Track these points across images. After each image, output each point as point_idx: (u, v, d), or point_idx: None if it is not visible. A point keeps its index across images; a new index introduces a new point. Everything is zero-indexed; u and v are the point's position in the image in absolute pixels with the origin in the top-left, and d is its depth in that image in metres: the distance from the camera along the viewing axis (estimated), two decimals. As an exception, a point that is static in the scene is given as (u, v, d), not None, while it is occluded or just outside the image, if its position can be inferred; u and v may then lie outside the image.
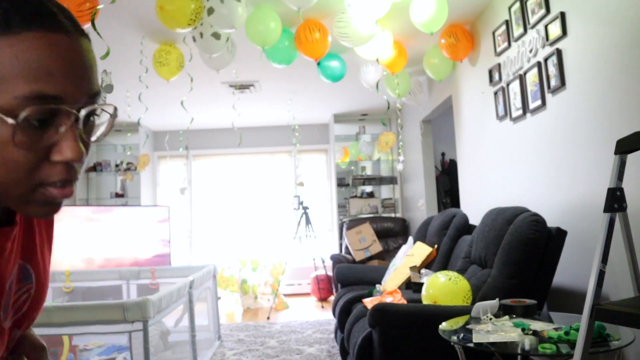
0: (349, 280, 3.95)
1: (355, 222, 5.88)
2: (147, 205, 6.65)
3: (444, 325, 1.96)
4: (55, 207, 0.62)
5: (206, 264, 4.21)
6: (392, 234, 5.99)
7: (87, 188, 6.71)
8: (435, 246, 3.50)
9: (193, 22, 2.96)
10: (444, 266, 3.28)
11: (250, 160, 7.26)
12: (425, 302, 2.45)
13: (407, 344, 2.18)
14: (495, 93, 3.30)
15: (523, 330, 1.75)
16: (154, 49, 3.86)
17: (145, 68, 4.13)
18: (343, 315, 3.22)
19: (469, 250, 2.87)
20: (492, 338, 1.70)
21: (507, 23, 3.08)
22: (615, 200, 1.38)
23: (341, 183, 6.72)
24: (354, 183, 6.68)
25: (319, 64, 3.87)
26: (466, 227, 3.38)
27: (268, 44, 3.20)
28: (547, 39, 2.58)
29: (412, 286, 3.21)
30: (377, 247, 5.58)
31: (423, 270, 3.21)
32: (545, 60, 2.61)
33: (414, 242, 3.97)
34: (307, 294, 6.81)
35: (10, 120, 0.55)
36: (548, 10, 2.58)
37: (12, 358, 0.76)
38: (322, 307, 5.84)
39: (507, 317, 1.97)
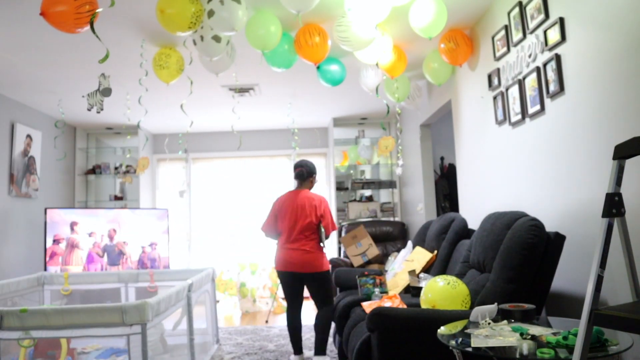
0: (347, 284, 3.95)
1: (351, 226, 5.88)
2: (146, 207, 6.64)
3: (442, 330, 1.96)
4: None
5: (205, 267, 4.21)
6: (391, 238, 5.99)
7: (87, 191, 6.70)
8: (435, 252, 3.50)
9: (193, 25, 2.96)
10: (443, 270, 3.28)
11: (250, 164, 7.26)
12: (423, 306, 2.45)
13: (406, 348, 2.17)
14: (495, 98, 3.31)
15: (521, 335, 1.74)
16: (154, 52, 3.87)
17: (145, 71, 4.14)
18: (342, 319, 3.21)
19: (467, 254, 2.87)
20: (491, 343, 1.70)
21: (507, 28, 3.09)
22: (613, 206, 1.38)
23: (340, 187, 6.72)
24: (353, 187, 6.68)
25: (318, 67, 3.88)
26: (465, 232, 3.38)
27: (268, 48, 3.21)
28: (546, 44, 2.59)
29: (410, 290, 3.21)
30: (374, 251, 5.57)
31: (422, 275, 3.21)
32: (545, 65, 2.62)
33: (413, 246, 3.97)
34: (306, 298, 6.79)
35: None
36: (547, 16, 2.59)
37: None
38: (321, 310, 5.82)
39: (505, 321, 1.97)
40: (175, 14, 2.88)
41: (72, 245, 5.18)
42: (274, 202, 3.75)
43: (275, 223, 3.69)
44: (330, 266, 3.90)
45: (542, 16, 2.62)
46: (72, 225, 5.22)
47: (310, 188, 3.77)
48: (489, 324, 1.94)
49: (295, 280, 3.59)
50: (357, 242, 5.65)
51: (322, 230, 3.60)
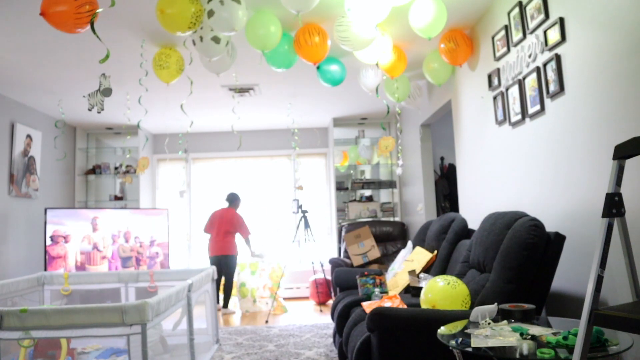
0: (347, 284, 3.95)
1: (354, 226, 5.87)
2: (146, 208, 6.64)
3: (442, 330, 1.96)
4: None
5: (205, 267, 4.21)
6: (391, 238, 5.99)
7: (87, 191, 6.70)
8: (435, 252, 3.50)
9: (193, 25, 2.96)
10: (443, 270, 3.28)
11: (250, 164, 7.26)
12: (424, 306, 2.45)
13: (406, 349, 2.17)
14: (495, 98, 3.31)
15: (521, 335, 1.74)
16: (154, 52, 3.87)
17: (145, 71, 4.14)
18: (342, 319, 3.21)
19: (467, 254, 2.87)
20: (491, 343, 1.70)
21: (507, 28, 3.09)
22: (613, 206, 1.38)
23: (340, 187, 6.72)
24: (353, 187, 6.68)
25: (318, 67, 3.88)
26: (465, 232, 3.38)
27: (268, 48, 3.21)
28: (546, 44, 2.59)
29: (410, 290, 3.21)
30: (375, 253, 5.58)
31: (422, 275, 3.21)
32: (544, 65, 2.62)
33: (413, 246, 3.97)
34: (306, 298, 6.80)
35: None
36: (547, 16, 2.59)
37: None
38: (321, 310, 5.83)
39: (505, 321, 1.96)
40: (175, 14, 2.88)
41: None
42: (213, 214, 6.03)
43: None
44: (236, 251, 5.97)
45: (542, 16, 2.62)
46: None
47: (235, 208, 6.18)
48: (489, 324, 1.94)
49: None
50: (360, 241, 5.66)
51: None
